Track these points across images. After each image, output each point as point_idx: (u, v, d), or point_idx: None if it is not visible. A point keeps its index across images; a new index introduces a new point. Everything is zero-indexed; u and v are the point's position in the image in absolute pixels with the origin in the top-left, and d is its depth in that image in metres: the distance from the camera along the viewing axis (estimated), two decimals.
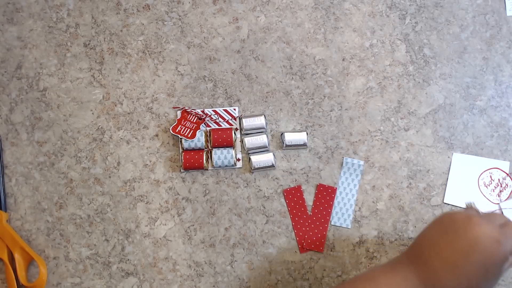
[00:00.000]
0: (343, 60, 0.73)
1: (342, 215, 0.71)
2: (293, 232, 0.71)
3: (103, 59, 0.74)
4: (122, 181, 0.72)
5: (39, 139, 0.73)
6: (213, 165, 0.71)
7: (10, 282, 0.69)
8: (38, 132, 0.73)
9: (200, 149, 0.71)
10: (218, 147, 0.71)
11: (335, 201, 0.71)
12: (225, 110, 0.72)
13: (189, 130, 0.70)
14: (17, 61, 0.74)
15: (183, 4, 0.74)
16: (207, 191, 0.72)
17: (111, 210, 0.72)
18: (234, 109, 0.72)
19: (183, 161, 0.70)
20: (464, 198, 0.71)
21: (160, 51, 0.74)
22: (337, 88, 0.73)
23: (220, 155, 0.70)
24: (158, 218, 0.71)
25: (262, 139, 0.71)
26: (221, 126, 0.72)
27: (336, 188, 0.71)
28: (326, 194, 0.71)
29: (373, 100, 0.73)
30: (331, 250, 0.71)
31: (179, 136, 0.70)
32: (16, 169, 0.72)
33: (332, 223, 0.71)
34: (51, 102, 0.73)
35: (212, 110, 0.72)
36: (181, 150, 0.71)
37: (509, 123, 0.72)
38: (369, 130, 0.72)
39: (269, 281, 0.70)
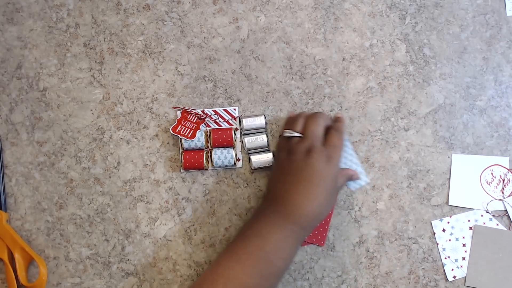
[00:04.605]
0: (343, 60, 0.73)
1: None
2: None
3: (103, 59, 0.74)
4: (122, 181, 0.72)
5: (39, 139, 0.73)
6: (213, 165, 0.71)
7: (10, 282, 0.69)
8: (38, 132, 0.73)
9: (200, 149, 0.71)
10: (218, 147, 0.71)
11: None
12: (225, 110, 0.72)
13: (189, 130, 0.70)
14: (17, 61, 0.74)
15: (183, 4, 0.74)
16: (207, 191, 0.72)
17: (111, 210, 0.72)
18: (234, 109, 0.72)
19: (183, 161, 0.70)
20: (468, 198, 0.71)
21: (160, 51, 0.74)
22: (337, 88, 0.73)
23: (220, 155, 0.70)
24: (158, 218, 0.71)
25: (262, 139, 0.71)
26: (221, 126, 0.72)
27: None
28: None
29: (373, 100, 0.73)
30: (331, 250, 0.71)
31: (179, 136, 0.70)
32: (16, 169, 0.72)
33: (352, 188, 0.71)
34: (51, 102, 0.73)
35: (212, 110, 0.72)
36: (181, 150, 0.71)
37: (509, 123, 0.72)
38: (369, 130, 0.72)
39: None
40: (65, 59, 0.74)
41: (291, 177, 0.63)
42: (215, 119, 0.72)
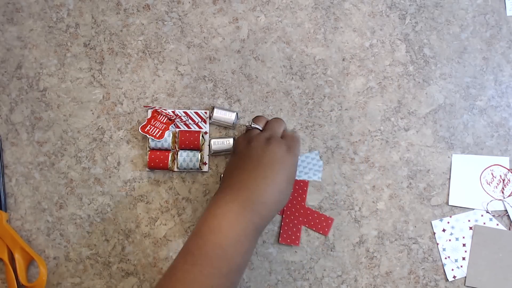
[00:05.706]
0: (343, 60, 0.73)
1: (309, 169, 0.71)
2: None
3: (103, 59, 0.74)
4: (122, 181, 0.72)
5: (39, 139, 0.73)
6: (178, 167, 0.70)
7: (10, 282, 0.69)
8: (38, 132, 0.73)
9: (167, 150, 0.71)
10: (184, 149, 0.70)
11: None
12: (196, 113, 0.72)
13: (158, 130, 0.70)
14: (17, 61, 0.74)
15: (183, 4, 0.74)
16: (207, 191, 0.72)
17: (111, 210, 0.72)
18: (205, 112, 0.72)
19: (148, 160, 0.70)
20: (468, 198, 0.71)
21: (160, 51, 0.74)
22: (337, 88, 0.73)
23: (186, 157, 0.70)
24: (158, 218, 0.71)
25: (228, 143, 0.70)
26: (190, 128, 0.72)
27: (309, 181, 0.71)
28: (298, 188, 0.70)
29: (373, 100, 0.73)
30: (331, 250, 0.71)
31: (148, 135, 0.70)
32: (16, 169, 0.72)
33: (316, 179, 0.71)
34: (51, 102, 0.73)
35: (183, 112, 0.72)
36: (147, 149, 0.71)
37: (509, 123, 0.72)
38: (369, 130, 0.72)
39: (269, 281, 0.70)
40: (65, 59, 0.74)
41: (250, 163, 0.61)
42: (185, 121, 0.71)
